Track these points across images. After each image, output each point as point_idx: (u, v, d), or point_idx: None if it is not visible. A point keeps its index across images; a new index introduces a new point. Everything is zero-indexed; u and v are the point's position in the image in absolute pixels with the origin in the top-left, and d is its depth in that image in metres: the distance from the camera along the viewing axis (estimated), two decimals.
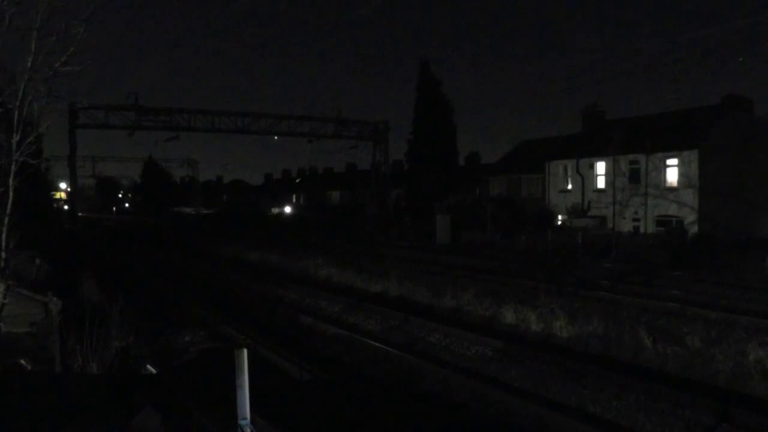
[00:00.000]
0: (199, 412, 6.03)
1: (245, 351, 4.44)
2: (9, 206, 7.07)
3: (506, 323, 13.42)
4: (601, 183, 37.67)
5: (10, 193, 7.05)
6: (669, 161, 33.95)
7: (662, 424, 7.63)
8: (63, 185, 71.21)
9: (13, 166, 7.04)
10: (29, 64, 6.98)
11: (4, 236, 7.16)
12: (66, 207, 58.98)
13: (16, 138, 7.06)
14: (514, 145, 51.47)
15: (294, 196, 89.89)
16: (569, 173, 39.90)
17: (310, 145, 51.97)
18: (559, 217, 38.93)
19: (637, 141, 33.50)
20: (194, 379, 8.80)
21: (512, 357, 10.62)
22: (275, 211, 79.92)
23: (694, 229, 31.20)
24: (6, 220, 7.12)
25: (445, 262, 24.45)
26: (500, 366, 10.21)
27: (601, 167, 37.57)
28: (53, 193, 66.64)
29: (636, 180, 35.05)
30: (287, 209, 78.85)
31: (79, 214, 57.76)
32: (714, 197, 31.89)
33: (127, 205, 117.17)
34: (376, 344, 11.58)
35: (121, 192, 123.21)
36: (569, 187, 39.81)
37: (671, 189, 33.77)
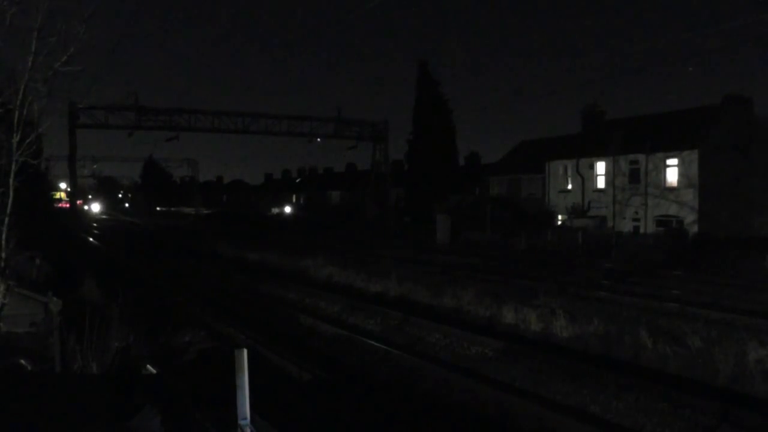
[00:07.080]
0: (199, 412, 6.02)
1: (245, 351, 4.44)
2: (9, 206, 7.07)
3: (506, 323, 13.40)
4: (601, 183, 37.68)
5: (11, 193, 7.05)
6: (669, 161, 33.96)
7: (662, 424, 7.62)
8: (63, 185, 71.22)
9: (13, 166, 7.03)
10: (29, 64, 6.98)
11: (4, 236, 7.16)
12: (66, 207, 59.00)
13: (16, 138, 7.06)
14: (514, 145, 51.51)
15: (294, 196, 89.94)
16: (569, 173, 39.91)
17: (309, 145, 52.07)
18: (559, 217, 38.94)
19: (637, 141, 33.50)
20: (194, 379, 8.81)
21: (512, 357, 10.61)
22: (275, 211, 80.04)
23: (694, 229, 31.21)
24: (6, 220, 7.12)
25: (445, 262, 24.44)
26: (500, 366, 10.20)
27: (601, 167, 37.58)
28: (53, 193, 66.65)
29: (636, 180, 35.06)
30: (287, 209, 78.94)
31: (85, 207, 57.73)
32: (714, 197, 31.88)
33: (127, 205, 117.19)
34: (376, 344, 11.58)
35: (121, 192, 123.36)
36: (569, 187, 39.82)
37: (671, 189, 33.78)
